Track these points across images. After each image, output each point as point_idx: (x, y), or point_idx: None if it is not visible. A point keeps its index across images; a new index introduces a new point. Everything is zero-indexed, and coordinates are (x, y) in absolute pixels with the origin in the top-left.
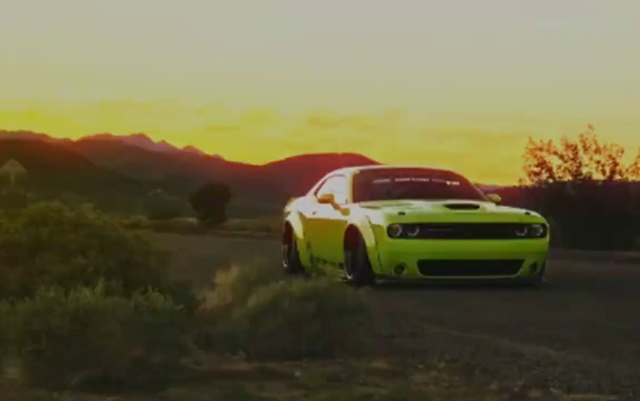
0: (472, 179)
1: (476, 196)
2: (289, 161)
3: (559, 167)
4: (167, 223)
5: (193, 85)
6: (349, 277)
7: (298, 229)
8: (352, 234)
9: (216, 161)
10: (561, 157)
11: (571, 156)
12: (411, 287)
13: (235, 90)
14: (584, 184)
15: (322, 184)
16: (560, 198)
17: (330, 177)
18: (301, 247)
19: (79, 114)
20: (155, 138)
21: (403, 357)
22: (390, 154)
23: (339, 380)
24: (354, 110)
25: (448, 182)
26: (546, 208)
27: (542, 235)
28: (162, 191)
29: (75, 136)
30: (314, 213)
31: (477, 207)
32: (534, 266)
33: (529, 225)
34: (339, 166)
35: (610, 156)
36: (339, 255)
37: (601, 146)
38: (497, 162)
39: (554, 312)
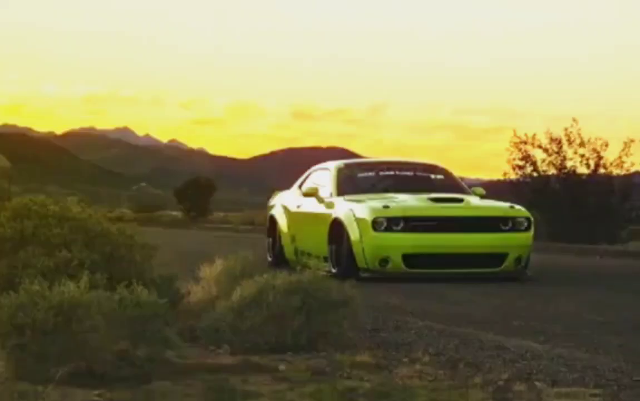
0: (457, 172)
1: (460, 190)
2: (273, 154)
3: (544, 160)
4: (152, 217)
5: (177, 78)
6: (334, 270)
7: (282, 222)
8: (337, 228)
9: (200, 154)
10: (545, 150)
11: (555, 150)
12: (395, 281)
13: (220, 83)
14: (568, 177)
15: (306, 177)
16: (544, 192)
17: (314, 170)
18: (285, 240)
19: (63, 107)
20: (140, 132)
21: (387, 351)
22: (374, 148)
23: (323, 373)
24: (338, 103)
25: (432, 176)
26: (530, 201)
27: (527, 229)
28: (146, 184)
29: (59, 130)
30: (298, 207)
31: (461, 200)
32: (518, 259)
33: (513, 219)
34: (323, 160)
35: (594, 150)
36: (324, 249)
37: (585, 139)
38: (481, 156)
39: (538, 305)
